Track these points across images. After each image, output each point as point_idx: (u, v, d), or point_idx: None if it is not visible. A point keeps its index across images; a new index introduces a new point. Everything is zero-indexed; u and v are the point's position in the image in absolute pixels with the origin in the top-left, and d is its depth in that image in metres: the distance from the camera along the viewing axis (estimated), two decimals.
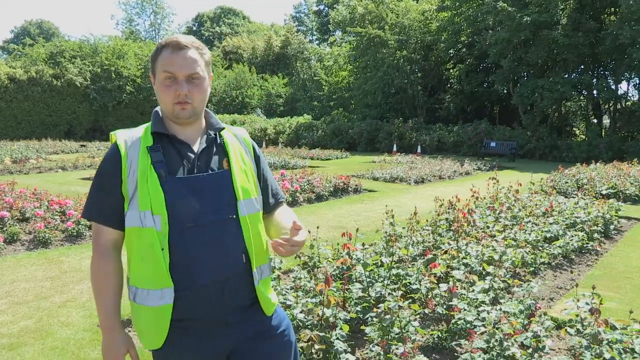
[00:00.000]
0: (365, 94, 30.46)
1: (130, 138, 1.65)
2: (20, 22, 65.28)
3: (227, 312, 1.65)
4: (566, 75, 23.45)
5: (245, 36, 52.43)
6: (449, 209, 6.44)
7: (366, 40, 29.00)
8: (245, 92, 41.23)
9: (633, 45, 19.63)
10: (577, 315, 3.28)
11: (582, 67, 24.15)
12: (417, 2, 30.01)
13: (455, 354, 3.39)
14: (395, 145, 24.65)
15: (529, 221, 6.52)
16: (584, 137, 25.49)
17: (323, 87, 37.79)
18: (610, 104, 24.06)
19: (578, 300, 3.50)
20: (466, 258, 4.81)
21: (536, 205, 7.38)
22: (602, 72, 24.52)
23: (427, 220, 5.80)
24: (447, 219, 5.69)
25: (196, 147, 1.69)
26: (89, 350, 3.46)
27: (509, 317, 3.49)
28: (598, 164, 14.81)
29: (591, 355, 2.79)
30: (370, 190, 11.92)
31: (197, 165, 1.65)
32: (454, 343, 3.22)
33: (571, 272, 5.61)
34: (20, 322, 3.94)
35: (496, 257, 4.76)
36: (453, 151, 24.60)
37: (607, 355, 2.77)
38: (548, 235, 6.30)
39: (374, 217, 8.45)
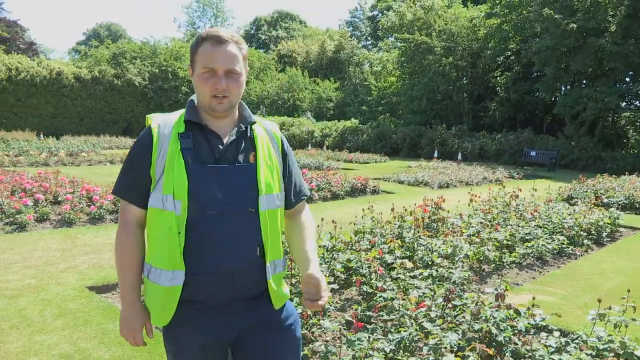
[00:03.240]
0: (411, 99, 30.66)
1: (164, 123, 1.70)
2: (92, 24, 69.22)
3: (235, 299, 1.70)
4: (616, 85, 22.79)
5: (300, 40, 53.54)
6: (434, 208, 6.87)
7: (413, 47, 29.24)
8: (296, 96, 42.25)
9: None
10: (479, 299, 3.68)
11: (634, 75, 23.36)
12: (466, 9, 29.94)
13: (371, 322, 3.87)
14: (436, 152, 24.70)
15: (509, 224, 6.81)
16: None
17: (372, 92, 38.24)
18: None
19: (495, 289, 3.91)
20: (419, 250, 5.24)
21: (525, 209, 7.63)
22: None
23: (394, 217, 6.23)
24: (412, 214, 6.09)
25: (225, 139, 1.71)
26: (70, 302, 4.20)
27: (425, 297, 3.93)
28: (633, 176, 14.54)
29: (468, 327, 3.22)
30: (388, 192, 12.31)
31: (224, 156, 1.69)
32: (366, 313, 3.71)
33: (539, 272, 5.90)
34: (25, 280, 4.74)
35: (450, 250, 5.16)
36: (495, 159, 24.39)
37: (476, 327, 3.19)
38: (528, 237, 6.59)
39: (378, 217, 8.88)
